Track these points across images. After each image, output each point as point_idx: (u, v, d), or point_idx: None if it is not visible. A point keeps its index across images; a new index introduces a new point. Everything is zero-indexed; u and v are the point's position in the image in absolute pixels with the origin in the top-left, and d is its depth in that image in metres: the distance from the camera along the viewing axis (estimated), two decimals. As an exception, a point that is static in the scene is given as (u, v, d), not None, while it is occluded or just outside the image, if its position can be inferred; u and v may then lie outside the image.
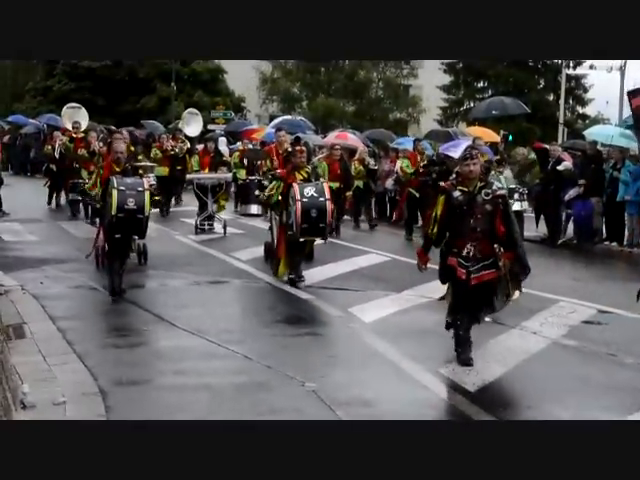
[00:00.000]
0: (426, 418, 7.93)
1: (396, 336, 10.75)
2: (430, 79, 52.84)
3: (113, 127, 28.88)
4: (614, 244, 19.80)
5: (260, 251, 16.42)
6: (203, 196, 20.07)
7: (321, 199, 13.64)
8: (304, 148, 14.87)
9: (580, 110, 54.77)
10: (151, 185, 13.20)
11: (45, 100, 53.84)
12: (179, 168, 23.73)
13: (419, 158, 21.49)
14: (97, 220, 15.02)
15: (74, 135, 22.84)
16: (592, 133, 23.75)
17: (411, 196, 21.14)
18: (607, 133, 22.62)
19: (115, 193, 12.12)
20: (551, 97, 52.99)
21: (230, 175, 22.10)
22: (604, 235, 20.26)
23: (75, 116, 25.10)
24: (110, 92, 50.90)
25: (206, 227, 20.09)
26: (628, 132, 22.09)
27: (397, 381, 9.05)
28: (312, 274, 14.47)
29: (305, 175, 14.29)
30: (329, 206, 13.68)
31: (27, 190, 28.59)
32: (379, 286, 13.94)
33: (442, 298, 10.25)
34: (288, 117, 34.63)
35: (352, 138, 28.21)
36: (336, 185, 19.35)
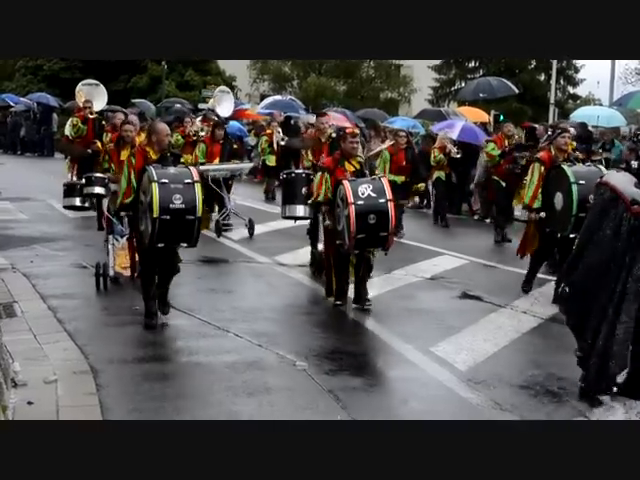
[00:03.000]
0: (417, 397, 7.98)
1: (386, 315, 10.78)
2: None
3: (116, 107, 25.11)
4: None
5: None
6: (219, 191, 16.72)
7: (381, 200, 10.58)
8: (357, 131, 12.03)
9: (571, 90, 54.72)
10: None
11: (35, 79, 53.50)
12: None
13: (506, 142, 17.75)
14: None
15: (89, 116, 18.62)
16: (578, 116, 23.75)
17: (498, 186, 17.64)
18: (593, 114, 22.65)
19: (155, 188, 9.42)
20: (542, 77, 52.88)
21: (250, 165, 19.51)
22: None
23: (92, 95, 20.53)
24: (101, 71, 50.41)
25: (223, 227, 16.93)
26: (614, 112, 22.14)
27: (388, 360, 9.08)
28: (303, 254, 14.47)
29: (357, 166, 11.24)
30: (391, 209, 10.61)
31: (17, 169, 28.53)
32: (370, 265, 13.92)
33: None
34: (278, 97, 34.49)
35: (336, 117, 28.08)
36: (401, 179, 16.70)
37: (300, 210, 14.07)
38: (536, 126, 22.32)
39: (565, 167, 11.44)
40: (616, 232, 7.65)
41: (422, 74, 53.98)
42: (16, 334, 9.45)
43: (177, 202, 9.49)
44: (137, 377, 8.21)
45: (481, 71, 52.20)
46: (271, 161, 22.67)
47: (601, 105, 36.11)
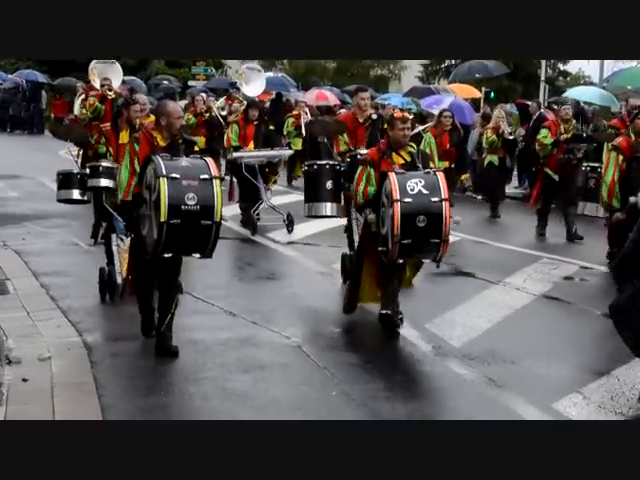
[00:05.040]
0: (412, 373, 8.03)
1: (380, 292, 10.76)
2: (411, 36, 52.47)
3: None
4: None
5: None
6: (254, 180, 14.95)
7: (434, 199, 8.74)
8: (408, 115, 9.98)
9: (561, 67, 54.72)
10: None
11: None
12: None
13: (562, 128, 15.28)
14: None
15: (109, 94, 16.23)
16: (572, 94, 23.69)
17: (548, 179, 15.35)
18: (587, 94, 22.59)
19: (164, 185, 7.66)
20: (533, 54, 52.98)
21: (290, 151, 16.87)
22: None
23: (106, 73, 18.12)
24: (89, 47, 50.37)
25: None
26: (607, 93, 22.11)
27: (382, 336, 9.08)
28: (296, 230, 14.44)
29: (407, 158, 9.32)
30: (447, 210, 8.78)
31: (7, 146, 28.41)
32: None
33: None
34: (270, 74, 34.30)
35: (332, 98, 28.17)
36: (445, 164, 14.64)
37: (326, 208, 11.90)
38: (529, 103, 22.35)
39: None
40: None
41: (412, 51, 53.87)
42: (9, 311, 9.47)
43: (190, 203, 7.73)
44: (131, 354, 8.22)
45: (471, 48, 52.08)
46: (297, 145, 20.11)
47: (592, 83, 36.09)
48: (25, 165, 23.02)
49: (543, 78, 37.52)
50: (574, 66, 54.88)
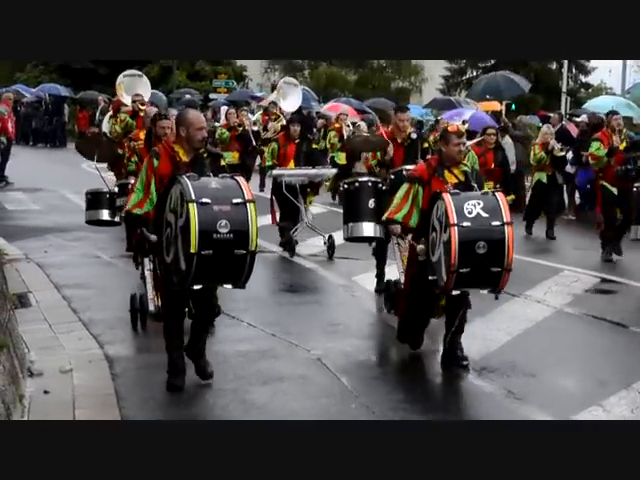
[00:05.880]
0: (431, 385, 8.03)
1: (400, 304, 10.76)
2: (432, 48, 52.31)
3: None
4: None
5: (265, 220, 16.34)
6: (295, 200, 14.10)
7: (495, 223, 7.85)
8: (463, 129, 9.43)
9: (583, 79, 54.62)
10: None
11: (46, 69, 53.58)
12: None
13: (614, 139, 14.13)
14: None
15: (140, 108, 15.03)
16: (591, 106, 23.60)
17: (607, 194, 14.15)
18: (607, 104, 22.50)
19: (194, 211, 6.90)
20: (554, 66, 52.76)
21: (333, 170, 16.01)
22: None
23: (134, 87, 17.21)
24: (112, 61, 50.58)
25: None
26: (628, 102, 22.02)
27: (401, 349, 9.06)
28: (316, 242, 14.47)
29: (461, 177, 8.45)
30: (510, 235, 7.85)
31: (30, 159, 28.57)
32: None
33: None
34: (293, 87, 34.37)
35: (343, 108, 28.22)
36: (490, 185, 12.87)
37: (367, 229, 11.09)
38: (550, 115, 22.27)
39: None
40: None
41: (433, 63, 53.83)
42: (31, 324, 9.52)
43: (223, 231, 6.95)
44: (152, 366, 8.22)
45: (492, 60, 52.04)
46: (341, 159, 19.45)
47: (614, 94, 36.00)
48: (47, 178, 23.16)
49: (564, 90, 37.48)
50: (595, 78, 54.79)
